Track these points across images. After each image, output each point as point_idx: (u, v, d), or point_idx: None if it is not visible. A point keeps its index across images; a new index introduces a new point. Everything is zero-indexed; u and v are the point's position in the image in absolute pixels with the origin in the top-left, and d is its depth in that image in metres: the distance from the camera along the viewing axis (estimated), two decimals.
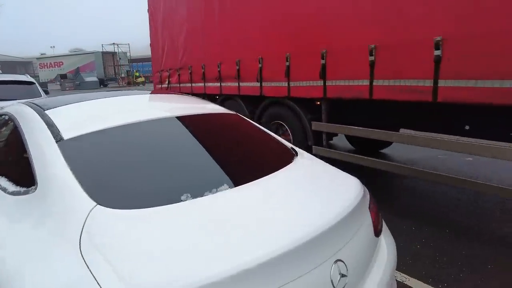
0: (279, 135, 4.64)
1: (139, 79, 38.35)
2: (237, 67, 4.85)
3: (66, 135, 1.52)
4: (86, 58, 40.62)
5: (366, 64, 3.12)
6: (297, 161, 1.76)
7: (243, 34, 4.71)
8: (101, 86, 36.70)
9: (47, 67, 42.84)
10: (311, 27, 3.67)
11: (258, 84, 4.50)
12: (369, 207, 1.53)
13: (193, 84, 6.23)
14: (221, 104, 5.59)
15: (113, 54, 40.70)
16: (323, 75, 3.56)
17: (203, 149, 1.73)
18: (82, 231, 1.05)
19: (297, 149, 2.00)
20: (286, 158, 1.78)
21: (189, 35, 6.09)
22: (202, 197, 1.27)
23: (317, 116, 3.90)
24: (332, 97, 3.57)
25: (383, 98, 3.07)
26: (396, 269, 2.49)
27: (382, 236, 1.59)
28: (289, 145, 2.05)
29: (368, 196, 1.59)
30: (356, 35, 3.21)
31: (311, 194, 1.50)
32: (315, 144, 3.94)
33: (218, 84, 5.41)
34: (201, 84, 5.91)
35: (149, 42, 8.05)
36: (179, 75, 6.68)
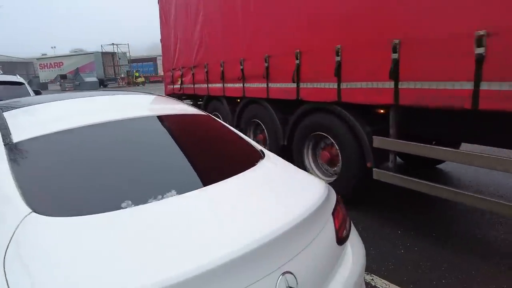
0: (321, 150, 3.70)
1: (139, 79, 38.47)
2: (266, 64, 3.93)
3: (16, 137, 1.52)
4: (85, 58, 39.95)
5: (470, 59, 2.19)
6: (261, 163, 1.69)
7: (274, 22, 3.77)
8: (101, 86, 36.43)
9: (47, 68, 42.04)
10: (375, 8, 2.74)
11: (294, 85, 3.59)
12: (333, 213, 1.43)
13: (210, 85, 5.31)
14: (243, 108, 4.69)
15: (113, 54, 40.16)
16: (394, 74, 2.64)
17: (160, 153, 1.68)
18: (11, 239, 1.01)
19: (265, 151, 1.90)
20: (250, 160, 1.70)
21: (205, 26, 5.18)
22: (145, 204, 1.21)
23: (379, 129, 2.98)
24: (407, 105, 2.65)
25: (495, 109, 2.15)
26: (377, 275, 2.39)
27: (348, 243, 1.49)
28: (258, 147, 1.96)
29: (333, 201, 1.49)
30: (452, 18, 2.29)
31: (266, 199, 1.42)
32: (377, 165, 3.01)
33: (241, 85, 4.49)
34: (219, 85, 4.99)
35: (159, 39, 7.24)
36: (193, 74, 5.75)
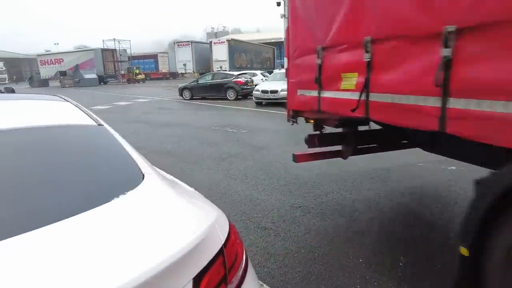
0: None
1: (139, 76, 38.48)
2: None
3: None
4: (85, 55, 39.76)
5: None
6: (127, 195, 1.23)
7: None
8: (101, 83, 36.20)
9: (48, 64, 41.91)
10: None
11: None
12: (199, 276, 0.97)
13: None
14: None
15: (113, 51, 39.85)
16: None
17: None
18: None
19: (149, 175, 1.43)
20: (112, 192, 1.23)
21: None
22: None
23: None
24: None
25: None
26: None
27: None
28: (144, 168, 1.49)
29: (207, 255, 1.04)
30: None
31: (92, 261, 0.90)
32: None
33: None
34: None
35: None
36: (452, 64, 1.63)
